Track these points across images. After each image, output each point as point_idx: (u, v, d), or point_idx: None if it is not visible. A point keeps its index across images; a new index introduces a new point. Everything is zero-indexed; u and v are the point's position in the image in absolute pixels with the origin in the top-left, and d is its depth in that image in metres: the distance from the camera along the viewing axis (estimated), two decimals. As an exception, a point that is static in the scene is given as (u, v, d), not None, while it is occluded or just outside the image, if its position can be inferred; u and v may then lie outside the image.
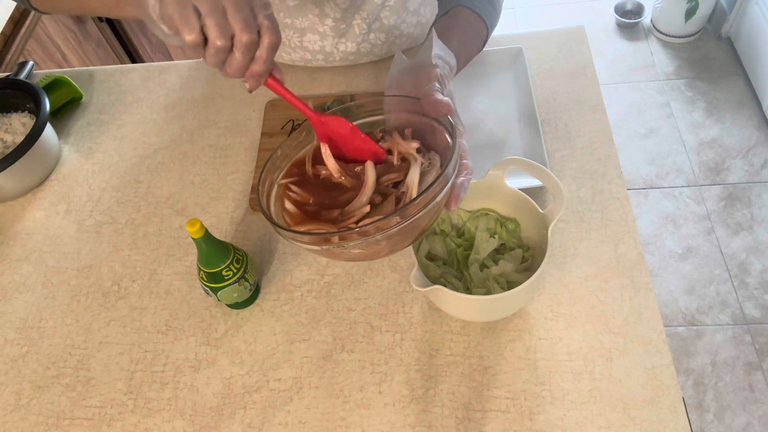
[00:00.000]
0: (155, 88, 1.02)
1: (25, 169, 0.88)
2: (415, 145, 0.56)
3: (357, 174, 0.56)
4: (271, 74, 0.51)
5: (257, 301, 0.75)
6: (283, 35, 0.92)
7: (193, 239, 0.63)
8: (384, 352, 0.69)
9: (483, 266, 0.69)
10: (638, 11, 2.40)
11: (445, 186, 0.51)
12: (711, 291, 1.69)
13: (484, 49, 0.91)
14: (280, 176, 0.59)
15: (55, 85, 0.97)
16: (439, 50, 0.63)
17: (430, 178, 0.53)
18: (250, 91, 0.51)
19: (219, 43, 0.46)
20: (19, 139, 0.92)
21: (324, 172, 0.57)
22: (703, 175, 1.93)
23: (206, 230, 0.63)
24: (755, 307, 1.65)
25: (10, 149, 0.89)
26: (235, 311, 0.74)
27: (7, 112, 0.96)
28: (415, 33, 0.95)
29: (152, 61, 1.87)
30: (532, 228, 0.69)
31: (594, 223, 0.76)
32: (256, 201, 0.55)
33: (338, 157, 0.58)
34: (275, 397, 0.67)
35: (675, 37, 2.29)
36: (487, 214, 0.73)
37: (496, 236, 0.71)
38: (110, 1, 0.54)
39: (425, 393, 0.65)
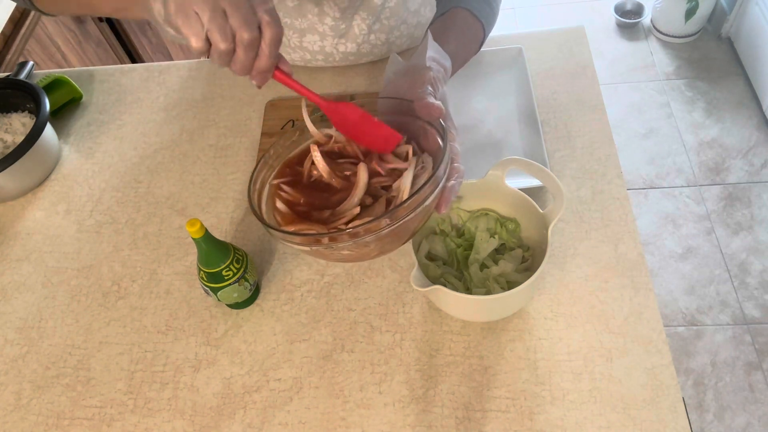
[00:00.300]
0: (155, 88, 1.02)
1: (25, 169, 0.88)
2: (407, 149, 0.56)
3: (347, 176, 0.56)
4: (278, 67, 0.51)
5: (257, 301, 0.75)
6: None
7: (193, 239, 0.63)
8: (384, 352, 0.69)
9: (483, 266, 0.69)
10: (638, 11, 2.40)
11: (435, 189, 0.51)
12: (711, 291, 1.69)
13: (483, 49, 0.91)
14: (272, 176, 0.59)
15: (55, 85, 0.97)
16: (433, 53, 0.63)
17: (421, 181, 0.53)
18: (259, 87, 0.52)
19: (222, 46, 0.47)
20: (19, 139, 0.92)
21: (315, 172, 0.58)
22: (703, 175, 1.93)
23: (206, 230, 0.63)
24: (755, 307, 1.65)
25: (10, 149, 0.89)
26: (235, 311, 0.74)
27: (7, 112, 0.96)
28: (416, 33, 0.95)
29: (152, 61, 1.87)
30: (532, 228, 0.69)
31: (594, 223, 0.76)
32: (248, 200, 0.55)
33: (337, 153, 0.58)
34: (275, 397, 0.67)
35: (675, 37, 2.29)
36: (487, 214, 0.73)
37: (496, 236, 0.71)
38: (118, 4, 0.54)
39: (425, 393, 0.65)
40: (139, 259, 0.81)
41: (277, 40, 0.49)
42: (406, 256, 0.76)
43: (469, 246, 0.71)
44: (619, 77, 2.24)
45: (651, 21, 2.35)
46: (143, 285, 0.78)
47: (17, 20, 1.37)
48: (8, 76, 0.98)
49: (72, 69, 1.08)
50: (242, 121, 0.94)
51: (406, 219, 0.49)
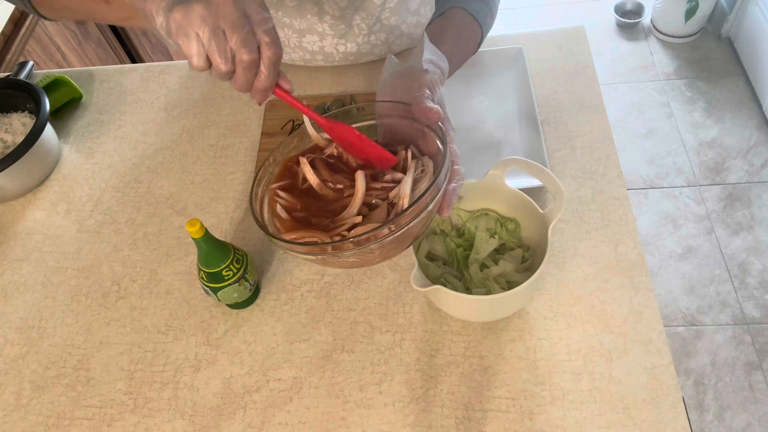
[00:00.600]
0: (155, 88, 1.02)
1: (25, 169, 0.88)
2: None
3: (340, 189, 0.57)
4: (278, 84, 0.52)
5: (257, 301, 0.75)
6: (282, 34, 0.92)
7: (193, 239, 0.63)
8: (384, 352, 0.69)
9: (483, 266, 0.69)
10: (638, 11, 2.40)
11: (437, 194, 0.51)
12: (711, 291, 1.69)
13: (484, 49, 0.92)
14: (272, 178, 0.59)
15: (55, 85, 0.97)
16: (430, 54, 0.63)
17: (422, 186, 0.54)
18: (260, 104, 0.52)
19: (223, 68, 0.47)
20: (19, 139, 0.92)
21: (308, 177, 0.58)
22: (703, 175, 1.93)
23: (206, 230, 0.63)
24: (755, 307, 1.65)
25: (10, 149, 0.89)
26: (235, 311, 0.74)
27: (7, 112, 0.96)
28: (415, 33, 0.95)
29: (152, 61, 1.87)
30: (532, 228, 0.69)
31: (594, 223, 0.76)
32: (251, 211, 0.55)
33: (336, 157, 0.59)
34: (275, 397, 0.67)
35: (675, 37, 2.29)
36: (487, 214, 0.73)
37: (496, 236, 0.71)
38: (120, 14, 0.54)
39: (425, 393, 0.65)
40: (139, 259, 0.81)
41: (276, 61, 0.49)
42: (406, 256, 0.76)
43: (469, 246, 0.71)
44: (619, 77, 2.24)
45: (651, 21, 2.35)
46: (143, 285, 0.78)
47: (17, 20, 1.37)
48: (8, 76, 0.98)
49: (72, 69, 1.08)
50: (242, 121, 0.94)
51: (410, 225, 0.50)
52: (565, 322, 0.68)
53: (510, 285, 0.67)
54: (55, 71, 1.03)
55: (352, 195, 0.54)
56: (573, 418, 0.62)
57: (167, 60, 1.93)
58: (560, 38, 0.97)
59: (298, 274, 0.77)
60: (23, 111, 0.96)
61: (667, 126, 2.07)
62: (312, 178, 0.56)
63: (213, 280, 0.67)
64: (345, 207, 0.54)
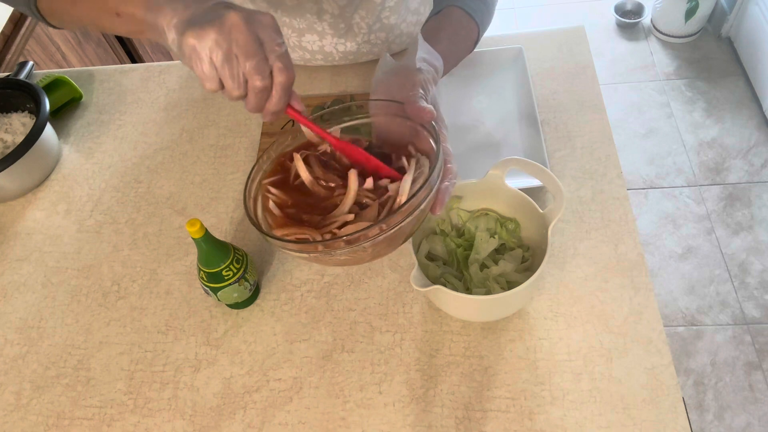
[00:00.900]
0: (155, 88, 1.02)
1: (25, 169, 0.88)
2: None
3: (332, 188, 0.57)
4: (290, 105, 0.52)
5: (257, 301, 0.75)
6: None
7: (193, 239, 0.63)
8: (384, 352, 0.69)
9: (483, 266, 0.69)
10: (638, 11, 2.40)
11: (429, 193, 0.51)
12: (711, 291, 1.69)
13: (484, 49, 0.92)
14: (265, 173, 0.59)
15: (55, 85, 0.97)
16: (424, 53, 0.63)
17: (416, 185, 0.54)
18: (270, 123, 0.52)
19: (235, 93, 0.48)
20: (19, 139, 0.92)
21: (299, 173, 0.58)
22: (703, 175, 1.93)
23: (206, 230, 0.63)
24: (755, 307, 1.65)
25: (10, 149, 0.89)
26: (235, 311, 0.74)
27: (7, 112, 0.96)
28: (415, 32, 0.95)
29: (152, 61, 1.87)
30: (532, 228, 0.69)
31: (594, 223, 0.76)
32: (244, 209, 0.55)
33: (330, 154, 0.59)
34: (275, 397, 0.67)
35: (675, 37, 2.29)
36: (487, 214, 0.73)
37: (496, 236, 0.71)
38: (132, 27, 0.54)
39: (425, 393, 0.65)
40: (139, 259, 0.81)
41: (289, 85, 0.49)
42: (406, 256, 0.76)
43: (469, 246, 0.71)
44: (619, 77, 2.24)
45: (651, 21, 2.35)
46: (143, 285, 0.78)
47: (17, 20, 1.37)
48: (8, 76, 0.98)
49: (72, 69, 1.08)
50: (242, 121, 0.94)
51: (402, 224, 0.50)
52: (565, 322, 0.68)
53: (510, 285, 0.67)
54: (55, 71, 1.03)
55: (343, 194, 0.54)
56: (573, 418, 0.62)
57: (167, 60, 1.93)
58: (560, 38, 0.97)
59: (298, 274, 0.77)
60: (23, 111, 0.96)
61: (667, 126, 2.07)
62: (305, 175, 0.56)
63: (213, 280, 0.67)
64: (336, 205, 0.54)
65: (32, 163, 0.88)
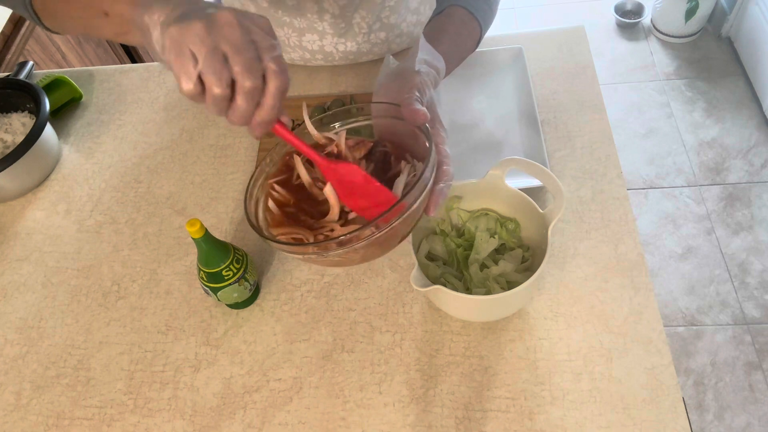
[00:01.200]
0: (155, 88, 1.02)
1: (25, 169, 0.88)
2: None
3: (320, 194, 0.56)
4: (278, 119, 0.48)
5: (257, 301, 0.75)
6: (281, 33, 0.92)
7: (193, 239, 0.63)
8: (384, 352, 0.69)
9: (483, 266, 0.69)
10: (638, 11, 2.40)
11: (421, 194, 0.50)
12: (711, 291, 1.69)
13: (483, 49, 0.92)
14: (264, 178, 0.59)
15: (55, 85, 0.97)
16: (425, 55, 0.63)
17: (407, 186, 0.54)
18: (257, 138, 0.47)
19: (217, 90, 0.43)
20: (19, 139, 0.92)
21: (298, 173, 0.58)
22: (703, 175, 1.93)
23: (206, 230, 0.63)
24: (755, 307, 1.65)
25: (10, 149, 0.89)
26: (235, 311, 0.74)
27: (7, 112, 0.96)
28: (415, 32, 0.95)
29: (152, 61, 1.87)
30: (532, 228, 0.69)
31: (594, 223, 0.76)
32: (244, 210, 0.55)
33: (335, 155, 0.59)
34: (275, 397, 0.67)
35: (675, 37, 2.29)
36: (487, 214, 0.73)
37: (496, 236, 0.71)
38: (118, 28, 0.53)
39: (425, 393, 0.65)
40: (139, 259, 0.81)
41: (283, 91, 0.45)
42: (406, 256, 0.76)
43: (469, 246, 0.71)
44: (619, 77, 2.24)
45: (651, 21, 2.35)
46: (143, 285, 0.78)
47: (17, 20, 1.38)
48: (8, 76, 0.98)
49: (72, 69, 1.08)
50: (242, 121, 0.94)
51: (394, 224, 0.49)
52: (565, 322, 0.68)
53: (510, 285, 0.67)
54: (55, 71, 1.03)
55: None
56: (573, 418, 0.62)
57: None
58: (560, 38, 0.97)
59: (298, 274, 0.77)
60: (23, 111, 0.96)
61: (667, 126, 2.07)
62: (304, 176, 0.57)
63: (213, 280, 0.67)
64: (319, 210, 0.55)
65: (32, 163, 0.88)
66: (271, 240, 0.52)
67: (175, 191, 0.88)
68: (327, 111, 0.90)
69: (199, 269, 0.67)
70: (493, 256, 0.71)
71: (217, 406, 0.67)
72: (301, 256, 0.52)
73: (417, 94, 0.57)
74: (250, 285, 0.71)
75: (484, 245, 0.70)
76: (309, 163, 0.59)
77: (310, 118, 0.59)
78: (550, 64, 0.93)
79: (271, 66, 0.44)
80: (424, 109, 0.55)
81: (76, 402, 0.70)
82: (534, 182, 0.76)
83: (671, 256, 1.76)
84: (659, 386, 0.63)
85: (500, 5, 0.79)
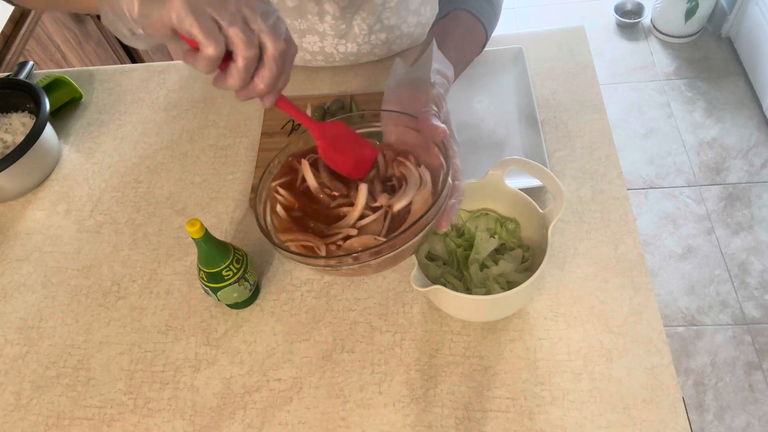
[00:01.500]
0: (155, 88, 1.02)
1: (25, 169, 0.88)
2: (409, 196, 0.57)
3: (334, 196, 0.57)
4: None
5: (257, 301, 0.75)
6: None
7: (193, 239, 0.63)
8: (384, 352, 0.69)
9: (483, 266, 0.69)
10: (638, 11, 2.41)
11: (438, 211, 0.52)
12: (711, 291, 1.69)
13: (484, 49, 0.91)
14: (274, 175, 0.60)
15: (55, 85, 0.97)
16: (438, 64, 0.62)
17: (418, 197, 0.54)
18: (269, 107, 0.48)
19: (249, 52, 0.42)
20: (19, 139, 0.92)
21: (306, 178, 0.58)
22: (703, 175, 1.93)
23: (206, 230, 0.63)
24: (755, 307, 1.65)
25: (10, 149, 0.89)
26: (235, 311, 0.74)
27: (7, 112, 0.96)
28: (416, 33, 0.95)
29: (152, 61, 1.87)
30: (532, 228, 0.69)
31: (594, 223, 0.76)
32: (256, 223, 0.56)
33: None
34: (275, 397, 0.67)
35: (675, 37, 2.29)
36: (487, 214, 0.73)
37: (496, 236, 0.71)
38: (88, 2, 0.51)
39: (425, 393, 0.65)
40: (139, 259, 0.81)
41: (287, 56, 0.46)
42: (406, 256, 0.76)
43: (469, 246, 0.71)
44: (619, 77, 2.24)
45: (651, 21, 2.35)
46: (143, 285, 0.78)
47: (17, 20, 1.38)
48: (8, 76, 0.98)
49: (72, 69, 1.08)
50: (242, 121, 0.94)
51: (410, 242, 0.50)
52: (565, 322, 0.68)
53: (510, 285, 0.67)
54: (55, 71, 1.03)
55: (345, 205, 0.55)
56: (573, 418, 0.62)
57: (167, 60, 1.93)
58: (560, 38, 0.97)
59: (298, 274, 0.77)
60: (23, 111, 0.96)
61: (667, 126, 2.07)
62: (311, 182, 0.57)
63: (213, 280, 0.67)
64: (338, 215, 0.55)
65: (32, 163, 0.88)
66: (284, 249, 0.52)
67: (175, 191, 0.88)
68: (327, 111, 0.90)
69: (199, 269, 0.67)
70: (493, 256, 0.71)
71: (217, 406, 0.67)
72: (313, 268, 0.52)
73: (434, 108, 0.57)
74: (250, 285, 0.71)
75: (484, 245, 0.70)
76: (315, 168, 0.59)
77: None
78: (550, 64, 0.93)
79: (268, 32, 0.44)
80: (443, 126, 0.55)
81: (76, 402, 0.70)
82: (534, 182, 0.76)
83: (671, 256, 1.76)
84: (659, 386, 0.63)
85: (502, 6, 0.79)
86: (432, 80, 0.60)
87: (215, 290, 0.68)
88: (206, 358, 0.71)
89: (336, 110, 0.89)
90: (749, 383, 1.52)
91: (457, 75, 0.68)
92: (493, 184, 0.69)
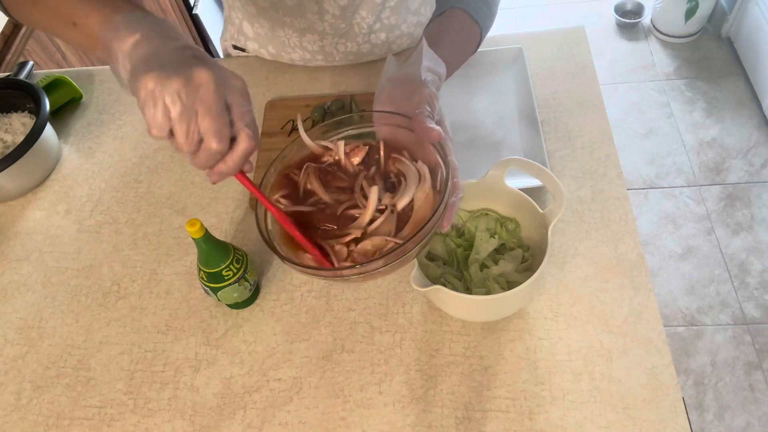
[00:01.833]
0: (155, 88, 1.02)
1: (25, 169, 0.88)
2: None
3: (339, 201, 0.57)
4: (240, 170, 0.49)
5: (257, 301, 0.75)
6: (282, 33, 0.92)
7: (193, 239, 0.63)
8: (384, 352, 0.69)
9: (483, 266, 0.69)
10: (638, 11, 2.40)
11: (441, 213, 0.52)
12: (711, 291, 1.69)
13: (483, 49, 0.91)
14: (270, 187, 0.59)
15: (55, 85, 0.97)
16: (428, 61, 0.62)
17: (420, 194, 0.54)
18: (213, 183, 0.49)
19: (185, 149, 0.45)
20: (19, 139, 0.92)
21: (309, 186, 0.58)
22: (703, 175, 1.93)
23: (206, 230, 0.63)
24: (755, 307, 1.65)
25: (10, 149, 0.89)
26: (235, 311, 0.74)
27: (7, 112, 0.96)
28: (415, 32, 0.95)
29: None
30: (532, 228, 0.69)
31: (594, 223, 0.76)
32: (257, 229, 0.55)
33: (333, 164, 0.59)
34: (275, 397, 0.67)
35: (675, 37, 2.29)
36: (487, 214, 0.73)
37: (496, 236, 0.71)
38: (86, 41, 0.53)
39: (425, 393, 0.65)
40: (139, 259, 0.81)
41: (249, 154, 0.47)
42: (406, 256, 0.76)
43: (469, 246, 0.71)
44: (619, 77, 2.24)
45: (651, 21, 2.35)
46: (143, 285, 0.78)
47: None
48: (8, 76, 0.98)
49: (72, 69, 1.08)
50: (242, 121, 0.94)
51: (414, 249, 0.50)
52: (565, 322, 0.68)
53: (510, 285, 0.67)
54: (55, 71, 1.03)
55: (346, 208, 0.55)
56: (573, 418, 0.62)
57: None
58: (560, 38, 0.97)
59: (298, 274, 0.77)
60: (23, 111, 0.96)
61: (667, 126, 2.07)
62: (317, 187, 0.57)
63: (213, 280, 0.67)
64: (337, 217, 0.55)
65: (32, 163, 0.88)
66: (292, 262, 0.52)
67: (175, 191, 0.88)
68: (328, 111, 0.90)
69: (199, 269, 0.67)
70: (493, 256, 0.71)
71: (217, 406, 0.67)
72: (324, 279, 0.52)
73: (428, 108, 0.57)
74: (250, 285, 0.71)
75: (484, 245, 0.70)
76: (321, 174, 0.59)
77: (311, 117, 0.59)
78: (550, 64, 0.93)
79: (244, 131, 0.46)
80: (438, 128, 0.55)
81: (76, 402, 0.70)
82: (534, 182, 0.76)
83: (671, 256, 1.76)
84: (659, 386, 0.63)
85: (500, 5, 0.79)
86: (423, 77, 0.60)
87: (215, 290, 0.68)
88: (206, 358, 0.71)
89: (336, 110, 0.89)
90: (749, 383, 1.52)
91: (450, 73, 0.68)
92: (493, 184, 0.69)
